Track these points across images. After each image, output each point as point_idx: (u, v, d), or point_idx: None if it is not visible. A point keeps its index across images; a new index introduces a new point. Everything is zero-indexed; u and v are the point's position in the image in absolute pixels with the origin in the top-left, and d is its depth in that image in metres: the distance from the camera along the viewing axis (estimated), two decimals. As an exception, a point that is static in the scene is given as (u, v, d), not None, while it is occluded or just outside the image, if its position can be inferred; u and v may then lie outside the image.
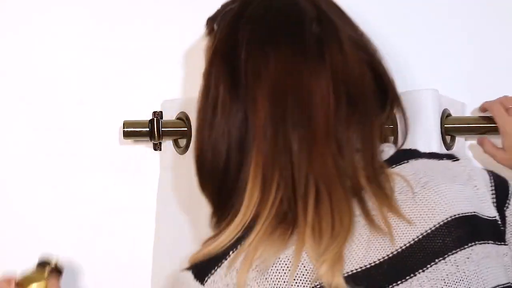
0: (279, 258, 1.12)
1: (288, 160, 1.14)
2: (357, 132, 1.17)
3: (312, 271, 1.12)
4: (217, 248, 1.15)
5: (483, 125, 1.54)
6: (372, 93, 1.20)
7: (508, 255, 1.21)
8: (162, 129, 1.53)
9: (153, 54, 1.60)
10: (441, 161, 1.23)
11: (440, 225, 1.15)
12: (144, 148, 1.60)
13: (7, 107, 1.59)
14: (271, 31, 1.18)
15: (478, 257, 1.16)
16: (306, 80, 1.15)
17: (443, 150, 1.54)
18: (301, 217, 1.12)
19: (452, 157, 1.24)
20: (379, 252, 1.14)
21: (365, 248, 1.14)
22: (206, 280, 1.14)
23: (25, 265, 1.57)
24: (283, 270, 1.12)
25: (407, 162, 1.21)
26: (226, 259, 1.14)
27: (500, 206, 1.22)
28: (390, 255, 1.14)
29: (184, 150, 1.54)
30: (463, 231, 1.16)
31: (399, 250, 1.14)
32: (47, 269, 1.43)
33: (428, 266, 1.14)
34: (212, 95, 1.19)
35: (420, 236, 1.15)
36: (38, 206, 1.58)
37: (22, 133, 1.59)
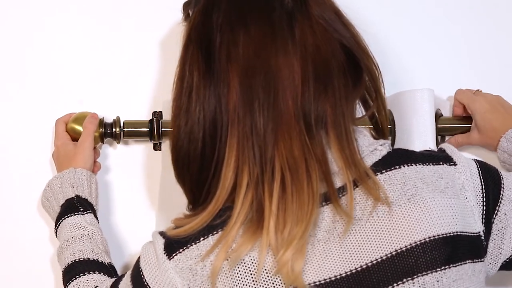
0: (250, 251, 1.13)
1: (257, 143, 1.13)
2: (327, 110, 1.15)
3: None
4: (189, 230, 1.16)
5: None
6: (342, 71, 1.18)
7: (484, 270, 1.21)
8: (162, 129, 1.54)
9: (153, 54, 1.60)
10: (436, 166, 1.21)
11: (417, 245, 1.14)
12: (144, 148, 1.60)
13: (7, 107, 1.59)
14: (241, 13, 1.17)
15: (449, 280, 1.15)
16: (274, 60, 1.15)
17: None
18: (267, 206, 1.12)
19: (450, 161, 1.22)
20: (345, 264, 1.14)
21: (329, 258, 1.14)
22: (173, 257, 1.16)
23: (25, 264, 1.58)
24: (251, 263, 1.13)
25: (399, 168, 1.19)
26: (195, 243, 1.15)
27: (488, 218, 1.21)
28: (359, 269, 1.14)
29: (184, 150, 1.54)
30: (439, 253, 1.14)
31: (369, 264, 1.14)
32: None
33: (395, 284, 1.13)
34: (187, 82, 1.18)
35: (394, 253, 1.14)
36: (38, 206, 1.57)
37: (22, 133, 1.59)
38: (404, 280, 1.13)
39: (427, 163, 1.20)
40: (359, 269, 1.13)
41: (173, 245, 1.17)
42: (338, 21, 1.21)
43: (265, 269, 1.13)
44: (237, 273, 1.14)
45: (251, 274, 1.13)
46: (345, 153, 1.15)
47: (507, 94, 1.56)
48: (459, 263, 1.16)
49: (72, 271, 1.39)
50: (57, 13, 1.59)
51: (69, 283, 1.39)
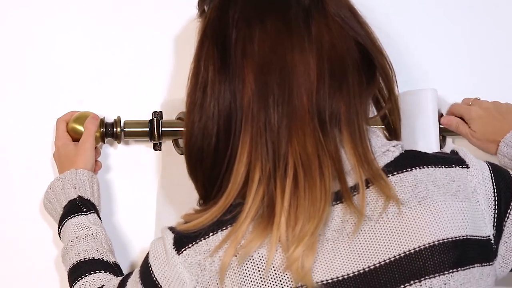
0: (259, 247, 1.13)
1: (270, 139, 1.13)
2: (341, 108, 1.15)
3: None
4: (199, 225, 1.16)
5: None
6: (356, 69, 1.18)
7: (493, 273, 1.20)
8: (162, 129, 1.53)
9: (153, 54, 1.60)
10: (448, 169, 1.20)
11: (425, 247, 1.14)
12: (144, 148, 1.60)
13: (7, 107, 1.59)
14: (258, 9, 1.17)
15: (457, 283, 1.15)
16: (290, 57, 1.15)
17: (442, 150, 1.55)
18: (278, 203, 1.12)
19: (462, 163, 1.22)
20: (353, 264, 1.14)
21: (338, 257, 1.14)
22: (182, 252, 1.16)
23: (25, 263, 1.58)
24: (260, 259, 1.13)
25: (411, 170, 1.18)
26: (204, 239, 1.15)
27: (500, 221, 1.21)
28: (366, 269, 1.14)
29: (183, 149, 1.53)
30: (447, 257, 1.14)
31: (377, 265, 1.14)
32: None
33: (402, 286, 1.13)
34: (202, 78, 1.18)
35: (402, 254, 1.14)
36: (38, 206, 1.58)
37: (22, 133, 1.59)
38: (412, 282, 1.14)
39: (440, 166, 1.20)
40: (367, 269, 1.13)
41: (182, 240, 1.17)
42: (354, 19, 1.21)
43: (273, 266, 1.13)
44: (245, 269, 1.13)
45: (259, 270, 1.13)
46: (358, 151, 1.15)
47: (508, 94, 1.56)
48: (467, 267, 1.16)
49: (78, 271, 1.40)
50: (57, 13, 1.59)
51: (75, 283, 1.39)
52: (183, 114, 1.54)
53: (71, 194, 1.46)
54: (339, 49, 1.16)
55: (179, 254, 1.16)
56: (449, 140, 1.61)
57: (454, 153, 1.24)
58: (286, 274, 1.12)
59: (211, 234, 1.15)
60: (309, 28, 1.16)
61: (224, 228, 1.15)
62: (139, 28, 1.60)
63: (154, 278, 1.19)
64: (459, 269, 1.15)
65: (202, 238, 1.16)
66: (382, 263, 1.14)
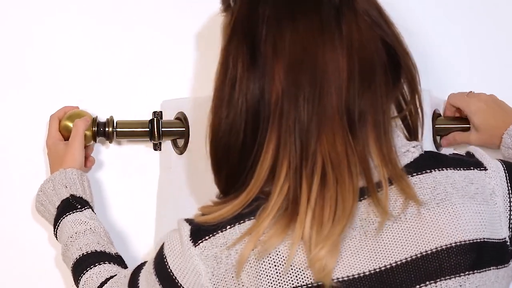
0: (279, 245, 1.12)
1: (299, 137, 1.13)
2: (369, 107, 1.15)
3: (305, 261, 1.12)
4: (219, 217, 1.15)
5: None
6: (383, 68, 1.18)
7: (508, 275, 1.20)
8: (162, 129, 1.53)
9: (153, 54, 1.60)
10: (467, 171, 1.20)
11: (442, 249, 1.14)
12: (144, 148, 1.60)
13: (7, 107, 1.59)
14: (289, 7, 1.16)
15: (472, 285, 1.15)
16: (321, 55, 1.14)
17: (435, 150, 1.54)
18: (303, 200, 1.12)
19: (480, 166, 1.22)
20: (369, 262, 1.14)
21: (356, 255, 1.14)
22: (199, 244, 1.16)
23: (25, 262, 1.58)
24: (276, 255, 1.13)
25: (430, 172, 1.18)
26: (221, 231, 1.15)
27: None
28: (383, 268, 1.14)
29: (182, 150, 1.54)
30: (464, 259, 1.15)
31: (393, 264, 1.14)
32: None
33: (417, 287, 1.14)
34: (230, 74, 1.17)
35: (419, 255, 1.14)
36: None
37: (23, 133, 1.59)
38: (427, 283, 1.14)
39: (458, 168, 1.20)
40: (383, 268, 1.14)
41: (200, 232, 1.16)
42: (381, 18, 1.20)
43: (291, 263, 1.13)
44: (262, 264, 1.13)
45: (275, 266, 1.13)
46: (382, 151, 1.15)
47: (508, 94, 1.55)
48: (484, 269, 1.16)
49: (82, 265, 1.40)
50: (57, 13, 1.59)
51: (81, 278, 1.39)
52: (181, 114, 1.54)
53: (63, 193, 1.46)
54: (368, 49, 1.16)
55: (195, 246, 1.16)
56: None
57: (470, 154, 1.24)
58: (303, 271, 1.12)
59: (228, 227, 1.15)
60: (339, 26, 1.15)
61: (241, 221, 1.15)
62: (139, 28, 1.60)
63: (169, 270, 1.19)
64: (475, 271, 1.15)
65: (219, 231, 1.15)
66: (399, 262, 1.14)
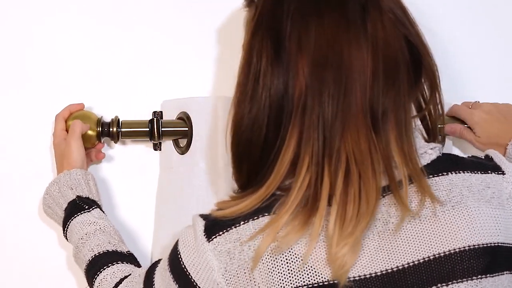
0: (295, 243, 1.12)
1: (322, 134, 1.13)
2: (392, 105, 1.15)
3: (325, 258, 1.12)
4: (237, 212, 1.15)
5: None
6: (406, 67, 1.17)
7: None
8: (162, 129, 1.53)
9: (153, 54, 1.60)
10: (484, 175, 1.20)
11: (455, 252, 1.14)
12: (144, 148, 1.60)
13: (7, 107, 1.58)
14: (314, 3, 1.16)
15: None
16: (346, 52, 1.14)
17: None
18: (324, 196, 1.11)
19: (498, 170, 1.22)
20: (382, 263, 1.14)
21: (370, 254, 1.14)
22: (212, 239, 1.16)
23: (24, 262, 1.58)
24: (288, 252, 1.13)
25: (446, 174, 1.18)
26: (235, 227, 1.15)
27: None
28: (394, 269, 1.14)
29: (185, 149, 1.54)
30: (477, 263, 1.14)
31: (405, 265, 1.14)
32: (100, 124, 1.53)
33: None
34: (254, 68, 1.17)
35: (431, 257, 1.14)
36: (38, 206, 1.57)
37: (23, 133, 1.58)
38: (439, 285, 1.14)
39: (475, 172, 1.20)
40: (394, 269, 1.13)
41: (214, 227, 1.16)
42: (405, 17, 1.20)
43: (303, 260, 1.13)
44: (274, 261, 1.13)
45: (287, 263, 1.13)
46: (404, 149, 1.15)
47: (508, 94, 1.56)
48: (497, 274, 1.16)
49: (95, 266, 1.39)
50: (57, 13, 1.59)
51: (95, 279, 1.38)
52: (184, 114, 1.54)
53: (69, 195, 1.46)
54: (393, 47, 1.16)
55: (209, 242, 1.16)
56: (448, 141, 1.61)
57: (488, 158, 1.24)
58: (315, 269, 1.12)
59: (242, 223, 1.15)
60: (365, 23, 1.15)
61: (255, 217, 1.15)
62: (139, 28, 1.60)
63: (183, 265, 1.18)
64: (488, 275, 1.15)
65: (233, 227, 1.15)
66: (411, 264, 1.14)
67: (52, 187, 1.48)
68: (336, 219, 1.11)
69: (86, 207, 1.45)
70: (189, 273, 1.18)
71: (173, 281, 1.20)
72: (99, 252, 1.40)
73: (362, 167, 1.12)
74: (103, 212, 1.48)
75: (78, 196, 1.46)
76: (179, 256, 1.19)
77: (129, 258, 1.42)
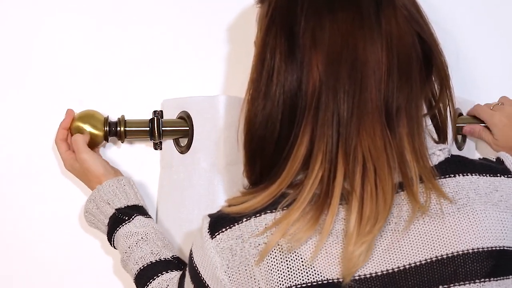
0: (304, 244, 1.12)
1: (337, 131, 1.12)
2: (405, 102, 1.14)
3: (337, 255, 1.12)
4: (250, 208, 1.15)
5: None
6: (419, 64, 1.17)
7: None
8: (163, 128, 1.53)
9: (153, 53, 1.60)
10: (493, 178, 1.20)
11: (458, 254, 1.14)
12: (144, 147, 1.60)
13: (7, 107, 1.58)
14: None
15: None
16: (361, 49, 1.13)
17: (455, 150, 1.54)
18: (336, 194, 1.11)
19: (508, 173, 1.21)
20: (383, 263, 1.13)
21: (373, 253, 1.13)
22: (215, 236, 1.16)
23: (24, 261, 1.58)
24: (288, 250, 1.13)
25: (454, 176, 1.18)
26: (238, 224, 1.15)
27: None
28: (396, 269, 1.13)
29: (185, 149, 1.54)
30: (480, 266, 1.14)
31: (407, 266, 1.13)
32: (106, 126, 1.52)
33: None
34: (268, 65, 1.16)
35: (434, 259, 1.14)
36: (38, 205, 1.57)
37: (22, 133, 1.58)
38: (440, 287, 1.13)
39: (484, 174, 1.20)
40: (396, 269, 1.13)
41: (217, 224, 1.16)
42: (418, 14, 1.20)
43: (302, 259, 1.13)
44: (274, 258, 1.13)
45: (287, 260, 1.13)
46: (415, 146, 1.15)
47: (507, 95, 1.56)
48: (501, 278, 1.16)
49: (141, 280, 1.40)
50: (57, 13, 1.59)
51: None
52: (184, 113, 1.54)
53: (108, 211, 1.46)
54: (406, 43, 1.16)
55: (212, 239, 1.16)
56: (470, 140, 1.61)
57: (499, 161, 1.24)
58: (315, 267, 1.12)
59: (244, 220, 1.15)
60: (379, 19, 1.15)
61: (257, 215, 1.15)
62: (139, 28, 1.60)
63: (195, 265, 1.19)
64: (492, 279, 1.15)
65: (235, 223, 1.15)
66: (413, 265, 1.14)
67: (89, 205, 1.48)
68: (356, 217, 1.11)
69: (126, 218, 1.45)
70: (199, 272, 1.18)
71: (191, 282, 1.21)
72: (143, 265, 1.41)
73: (378, 164, 1.12)
74: (146, 214, 1.47)
75: (116, 209, 1.46)
76: (192, 256, 1.20)
77: (174, 264, 1.42)
